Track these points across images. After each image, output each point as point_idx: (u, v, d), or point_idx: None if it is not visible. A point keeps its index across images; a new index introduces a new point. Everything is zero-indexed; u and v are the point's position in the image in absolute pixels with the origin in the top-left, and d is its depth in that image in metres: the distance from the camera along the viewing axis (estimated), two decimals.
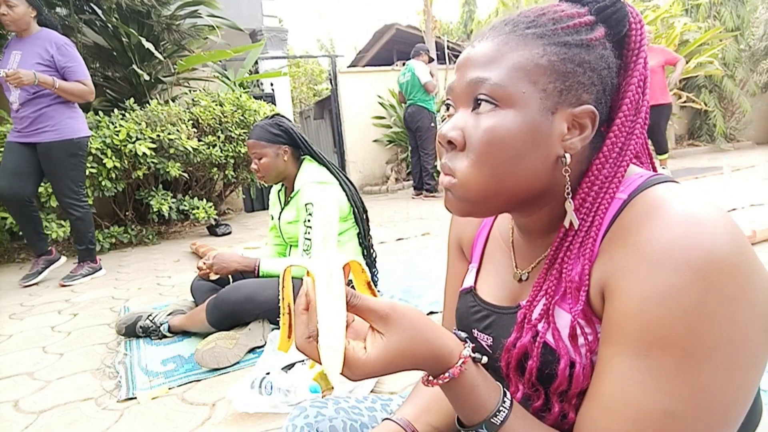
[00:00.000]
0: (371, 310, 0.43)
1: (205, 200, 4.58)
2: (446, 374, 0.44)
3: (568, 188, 0.49)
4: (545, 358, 0.49)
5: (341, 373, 0.41)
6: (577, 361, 0.47)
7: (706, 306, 0.38)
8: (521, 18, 0.50)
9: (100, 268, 3.33)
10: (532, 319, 0.51)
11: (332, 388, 0.48)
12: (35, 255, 3.20)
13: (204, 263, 1.91)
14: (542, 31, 0.48)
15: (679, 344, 0.38)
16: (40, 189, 3.47)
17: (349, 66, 12.03)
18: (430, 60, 6.01)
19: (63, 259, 3.29)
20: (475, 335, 0.61)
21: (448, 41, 8.42)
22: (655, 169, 0.55)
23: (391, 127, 7.65)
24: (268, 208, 2.17)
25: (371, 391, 1.35)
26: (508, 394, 0.46)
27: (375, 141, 7.85)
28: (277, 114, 1.98)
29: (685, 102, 8.50)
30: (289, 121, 1.96)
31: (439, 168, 0.54)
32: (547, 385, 0.49)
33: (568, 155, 0.48)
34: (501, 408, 0.45)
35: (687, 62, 7.74)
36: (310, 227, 1.75)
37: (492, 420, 0.44)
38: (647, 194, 0.46)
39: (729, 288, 0.38)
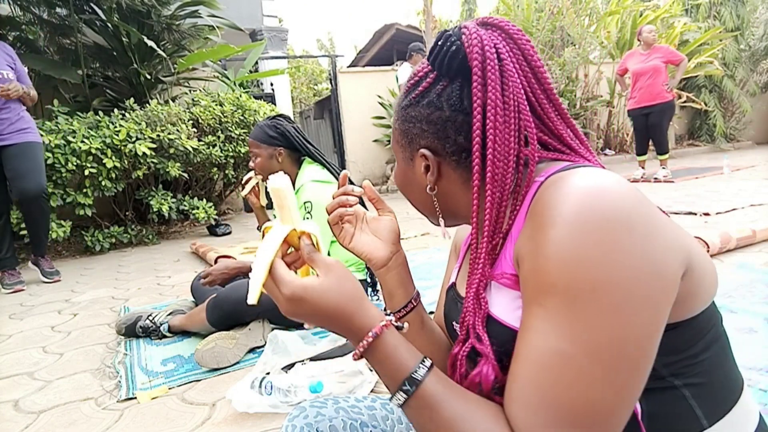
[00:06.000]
0: (321, 259, 0.54)
1: (205, 200, 4.58)
2: (370, 333, 0.50)
3: (437, 207, 0.63)
4: (499, 336, 0.52)
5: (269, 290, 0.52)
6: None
7: (585, 251, 0.41)
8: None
9: None
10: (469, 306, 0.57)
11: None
12: (8, 268, 3.18)
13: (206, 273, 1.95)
14: (398, 100, 0.62)
15: (564, 288, 0.41)
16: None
17: (349, 66, 12.03)
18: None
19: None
20: (454, 327, 0.64)
21: None
22: (584, 157, 0.57)
23: (390, 127, 7.66)
24: (270, 208, 2.18)
25: (371, 391, 1.35)
26: (429, 360, 0.50)
27: (375, 141, 7.85)
28: (280, 115, 1.98)
29: (685, 102, 8.50)
30: (291, 122, 1.96)
31: None
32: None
33: (428, 187, 0.61)
34: (421, 366, 0.49)
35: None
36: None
37: (413, 375, 0.48)
38: (556, 175, 0.49)
39: (607, 235, 0.41)
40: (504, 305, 0.52)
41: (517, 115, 0.52)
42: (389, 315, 0.54)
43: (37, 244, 3.32)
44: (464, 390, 0.49)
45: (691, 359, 0.47)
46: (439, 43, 0.54)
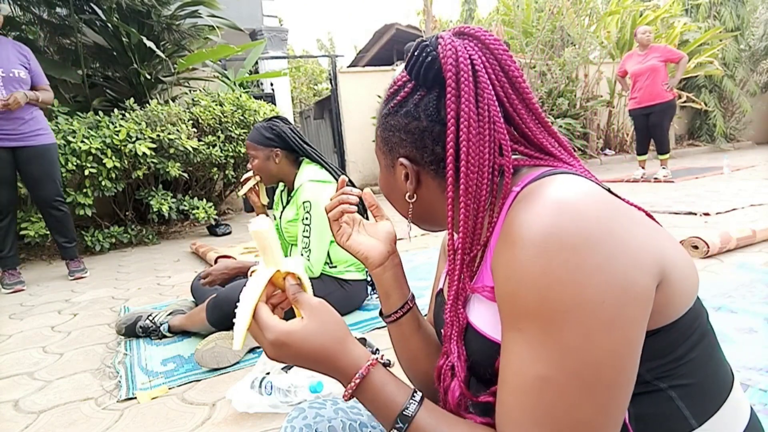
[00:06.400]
0: (306, 301, 0.54)
1: (205, 200, 4.58)
2: (357, 375, 0.51)
3: (409, 214, 0.63)
4: (483, 349, 0.52)
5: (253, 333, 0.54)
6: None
7: (551, 275, 0.41)
8: None
9: None
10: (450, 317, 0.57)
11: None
12: (9, 267, 3.17)
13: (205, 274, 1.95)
14: (380, 108, 0.62)
15: (536, 312, 0.42)
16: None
17: (349, 66, 12.03)
18: None
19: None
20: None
21: None
22: (566, 162, 0.56)
23: None
24: (270, 208, 2.18)
25: None
26: (419, 394, 0.51)
27: (375, 141, 7.85)
28: (277, 117, 1.99)
29: (685, 102, 8.50)
30: (288, 123, 1.96)
31: None
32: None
33: (407, 195, 0.61)
34: (411, 401, 0.49)
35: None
36: (308, 225, 1.76)
37: (404, 412, 0.49)
38: (531, 185, 0.49)
39: (571, 257, 0.41)
40: (488, 318, 0.52)
41: (491, 126, 0.51)
42: (377, 352, 0.54)
43: (61, 248, 3.33)
44: (456, 419, 0.50)
45: (676, 361, 0.47)
46: (416, 53, 0.54)
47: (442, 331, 0.63)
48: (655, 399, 0.47)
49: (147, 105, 4.18)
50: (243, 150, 4.71)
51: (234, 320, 0.53)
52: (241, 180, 2.07)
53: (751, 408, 0.53)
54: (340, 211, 0.68)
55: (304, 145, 1.92)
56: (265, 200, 2.05)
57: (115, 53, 4.72)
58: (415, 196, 0.61)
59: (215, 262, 2.77)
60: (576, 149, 7.68)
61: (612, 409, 0.41)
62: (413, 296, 0.70)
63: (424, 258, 2.90)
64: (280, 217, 1.97)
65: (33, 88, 3.07)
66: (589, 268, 0.40)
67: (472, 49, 0.52)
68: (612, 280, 0.41)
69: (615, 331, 0.41)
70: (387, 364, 0.54)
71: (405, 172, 0.60)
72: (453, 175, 0.53)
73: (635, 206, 0.50)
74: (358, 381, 0.50)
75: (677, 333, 0.47)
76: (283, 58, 7.49)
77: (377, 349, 0.56)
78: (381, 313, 0.71)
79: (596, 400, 0.41)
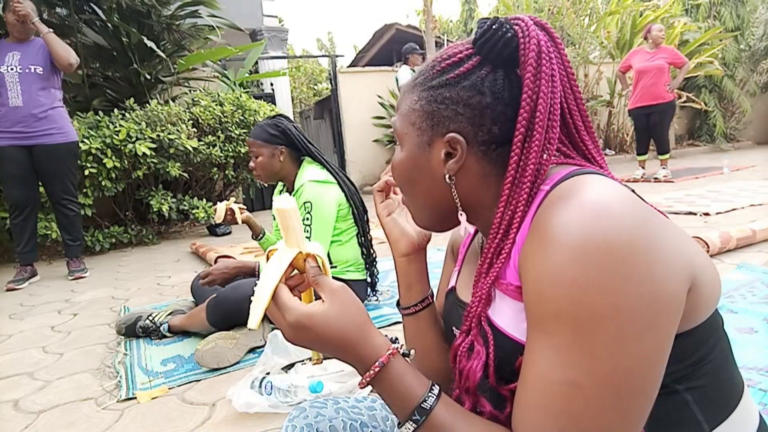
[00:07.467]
0: (327, 284, 0.52)
1: (205, 200, 4.58)
2: (377, 363, 0.49)
3: (457, 200, 0.57)
4: (503, 346, 0.51)
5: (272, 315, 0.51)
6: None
7: (588, 279, 0.40)
8: (420, 69, 0.60)
9: None
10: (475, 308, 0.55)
11: (320, 358, 0.58)
12: (22, 263, 3.20)
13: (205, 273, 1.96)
14: (421, 79, 0.58)
15: (569, 316, 0.41)
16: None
17: (349, 66, 12.03)
18: (424, 59, 5.99)
19: (38, 276, 3.33)
20: (454, 332, 0.63)
21: (448, 40, 8.42)
22: (600, 166, 0.56)
23: (391, 127, 7.64)
24: (269, 209, 2.18)
25: (371, 392, 1.35)
26: (437, 387, 0.50)
27: (375, 141, 7.85)
28: (280, 115, 1.99)
29: (685, 102, 8.50)
30: (291, 122, 1.96)
31: None
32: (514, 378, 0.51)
33: (447, 176, 0.56)
34: (429, 394, 0.48)
35: None
36: (309, 226, 1.76)
37: (422, 405, 0.48)
38: (563, 184, 0.48)
39: (610, 262, 0.40)
40: (510, 316, 0.52)
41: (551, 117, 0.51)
42: (396, 341, 0.53)
43: (65, 246, 3.36)
44: (473, 416, 0.49)
45: (694, 365, 0.47)
46: (494, 27, 0.52)
47: (454, 327, 0.62)
48: (670, 401, 0.47)
49: (147, 105, 4.19)
50: (243, 150, 4.71)
51: (252, 298, 0.52)
52: (216, 209, 2.09)
53: (760, 414, 0.53)
54: (387, 182, 0.70)
55: (308, 144, 1.92)
56: (239, 221, 2.07)
57: (115, 53, 4.72)
58: (454, 177, 0.56)
59: (215, 262, 2.78)
60: None
61: (636, 416, 0.41)
62: (433, 293, 0.71)
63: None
64: None
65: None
66: (627, 275, 0.40)
67: (546, 37, 0.53)
68: (649, 287, 0.40)
69: (648, 339, 0.40)
70: (407, 354, 0.53)
71: (448, 151, 0.55)
72: (519, 154, 0.51)
73: (657, 209, 0.50)
74: (377, 369, 0.49)
75: (699, 337, 0.47)
76: (283, 58, 7.49)
77: (396, 338, 0.54)
78: (398, 304, 0.72)
79: (622, 407, 0.40)
